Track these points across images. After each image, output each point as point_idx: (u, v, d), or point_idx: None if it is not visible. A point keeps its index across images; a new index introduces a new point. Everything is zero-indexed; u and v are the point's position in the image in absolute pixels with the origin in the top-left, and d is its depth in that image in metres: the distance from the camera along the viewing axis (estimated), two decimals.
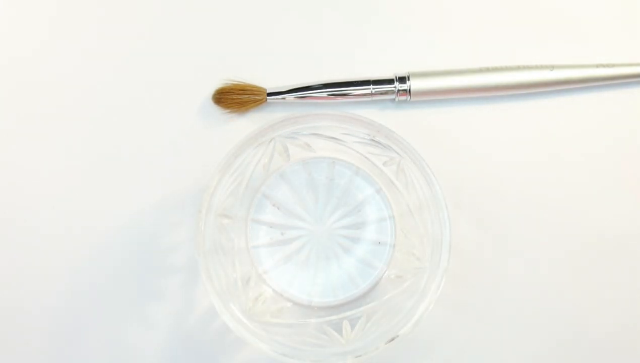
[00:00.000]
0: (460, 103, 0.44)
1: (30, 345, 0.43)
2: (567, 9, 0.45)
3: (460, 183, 0.44)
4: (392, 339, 0.37)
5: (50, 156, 0.44)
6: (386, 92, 0.43)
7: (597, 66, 0.44)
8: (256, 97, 0.43)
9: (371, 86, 0.43)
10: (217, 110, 0.44)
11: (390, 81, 0.43)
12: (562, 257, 0.44)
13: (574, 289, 0.43)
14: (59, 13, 0.45)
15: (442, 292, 0.37)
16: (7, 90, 0.45)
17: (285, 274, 0.42)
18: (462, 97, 0.44)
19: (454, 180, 0.43)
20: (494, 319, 0.43)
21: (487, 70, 0.43)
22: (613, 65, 0.44)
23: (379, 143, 0.39)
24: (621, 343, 0.43)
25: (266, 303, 0.41)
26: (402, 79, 0.43)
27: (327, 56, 0.45)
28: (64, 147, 0.44)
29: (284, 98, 0.43)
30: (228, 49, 0.45)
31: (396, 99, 0.43)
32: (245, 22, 0.45)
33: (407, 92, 0.43)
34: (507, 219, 0.44)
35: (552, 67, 0.43)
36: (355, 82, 0.43)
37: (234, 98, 0.43)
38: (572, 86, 0.44)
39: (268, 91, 0.43)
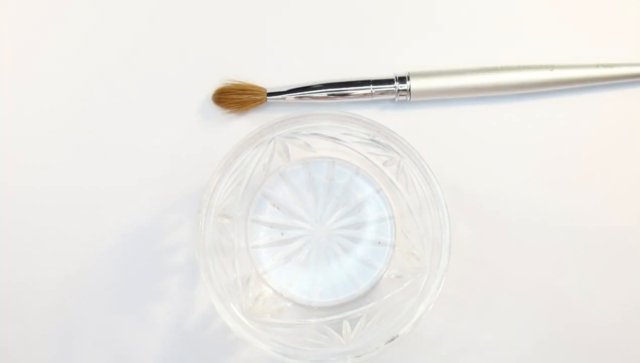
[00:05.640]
0: (460, 103, 0.44)
1: (30, 346, 0.43)
2: (567, 9, 0.45)
3: (460, 183, 0.44)
4: (392, 339, 0.37)
5: (50, 156, 0.44)
6: (386, 92, 0.43)
7: (597, 66, 0.44)
8: (256, 97, 0.43)
9: (371, 86, 0.43)
10: (217, 110, 0.44)
11: (390, 81, 0.43)
12: (562, 256, 0.44)
13: (574, 289, 0.43)
14: (59, 12, 0.45)
15: (442, 292, 0.37)
16: (6, 89, 0.45)
17: (285, 274, 0.42)
18: (462, 97, 0.44)
19: (454, 180, 0.43)
20: (493, 319, 0.43)
21: (487, 70, 0.43)
22: (613, 65, 0.44)
23: (379, 143, 0.39)
24: (622, 342, 0.43)
25: (266, 303, 0.41)
26: (402, 79, 0.43)
27: (327, 56, 0.45)
28: (63, 146, 0.44)
29: (284, 98, 0.43)
30: (228, 49, 0.45)
31: (396, 99, 0.43)
32: (245, 23, 0.45)
33: (407, 92, 0.43)
34: (507, 219, 0.44)
35: (552, 67, 0.43)
36: (355, 82, 0.43)
37: (234, 98, 0.43)
38: (572, 86, 0.44)
39: (268, 91, 0.43)
